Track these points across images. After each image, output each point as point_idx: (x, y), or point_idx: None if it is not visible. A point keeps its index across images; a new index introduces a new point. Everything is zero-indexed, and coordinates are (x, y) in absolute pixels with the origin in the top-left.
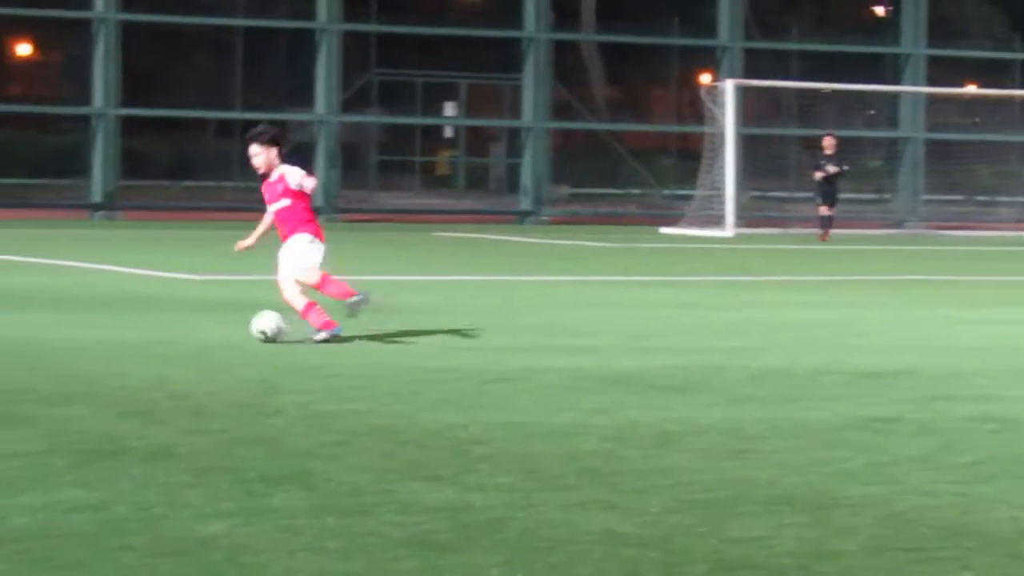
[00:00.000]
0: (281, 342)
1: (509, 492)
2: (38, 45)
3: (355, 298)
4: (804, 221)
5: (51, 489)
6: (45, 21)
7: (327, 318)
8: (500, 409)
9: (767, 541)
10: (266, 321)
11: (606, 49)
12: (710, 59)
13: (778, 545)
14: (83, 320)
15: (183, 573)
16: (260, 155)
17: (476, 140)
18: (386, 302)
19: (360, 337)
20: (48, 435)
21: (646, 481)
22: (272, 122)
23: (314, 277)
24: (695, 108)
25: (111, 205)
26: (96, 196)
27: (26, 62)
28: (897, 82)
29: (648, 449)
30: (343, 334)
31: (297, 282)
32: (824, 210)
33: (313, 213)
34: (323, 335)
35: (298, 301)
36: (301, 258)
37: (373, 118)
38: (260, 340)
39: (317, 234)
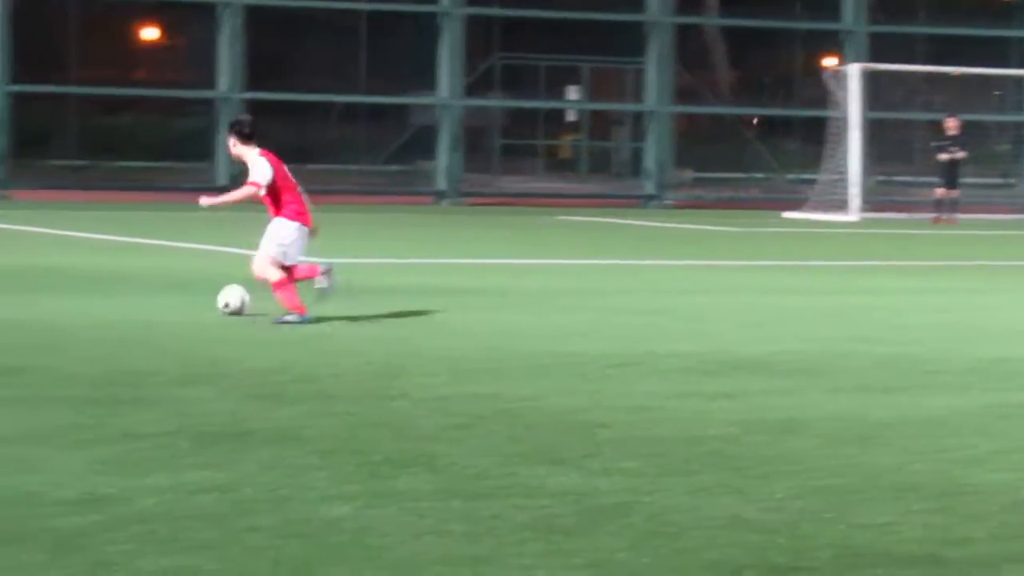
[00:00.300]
0: (246, 315)
1: (634, 476)
2: (164, 29)
3: (321, 282)
4: (930, 206)
5: (177, 471)
6: (171, 5)
7: (299, 302)
8: (624, 393)
9: (894, 527)
10: (231, 294)
11: (729, 33)
12: (834, 43)
13: (906, 531)
14: (207, 302)
15: (309, 555)
16: (233, 147)
17: (599, 124)
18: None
19: (482, 320)
20: (174, 417)
21: (771, 467)
22: (246, 118)
23: (274, 274)
24: (819, 92)
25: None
26: (222, 179)
27: (152, 46)
28: None
29: (773, 435)
30: (309, 321)
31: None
32: (940, 192)
33: (293, 197)
34: (291, 317)
35: (272, 274)
36: (272, 243)
37: (496, 102)
38: (224, 313)
39: (295, 218)
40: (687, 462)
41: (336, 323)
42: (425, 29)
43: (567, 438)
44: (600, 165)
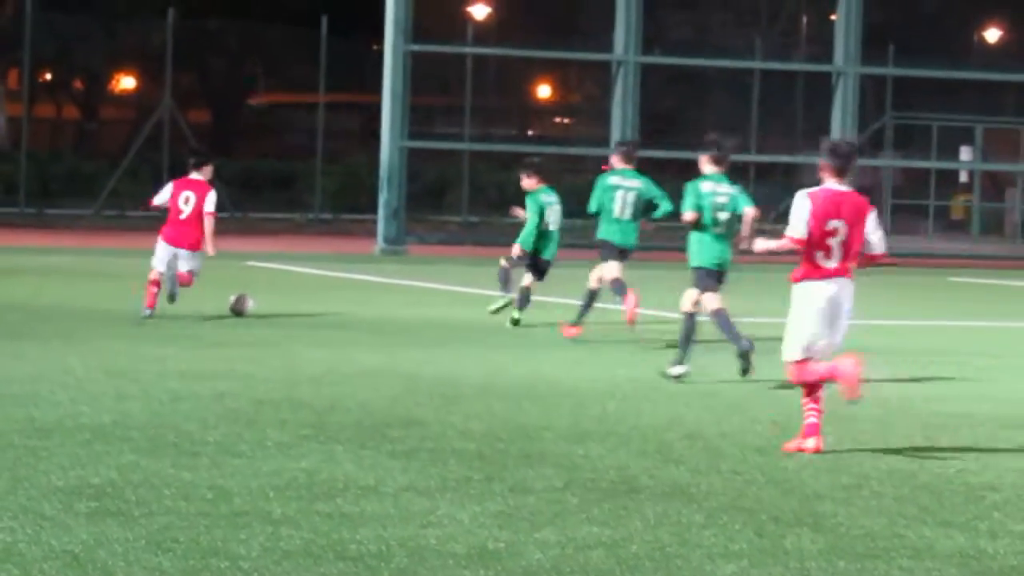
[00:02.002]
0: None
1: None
2: (558, 87)
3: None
4: None
5: (567, 526)
6: (566, 63)
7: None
8: (1016, 456)
9: None
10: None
11: None
12: None
13: None
14: (597, 359)
15: None
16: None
17: (992, 184)
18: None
19: (878, 380)
20: (564, 472)
21: None
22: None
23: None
24: None
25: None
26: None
27: (547, 103)
28: None
29: None
30: None
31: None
32: None
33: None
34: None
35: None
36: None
37: (888, 161)
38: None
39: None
40: None
41: (722, 380)
42: (818, 87)
43: (956, 499)
44: (993, 226)
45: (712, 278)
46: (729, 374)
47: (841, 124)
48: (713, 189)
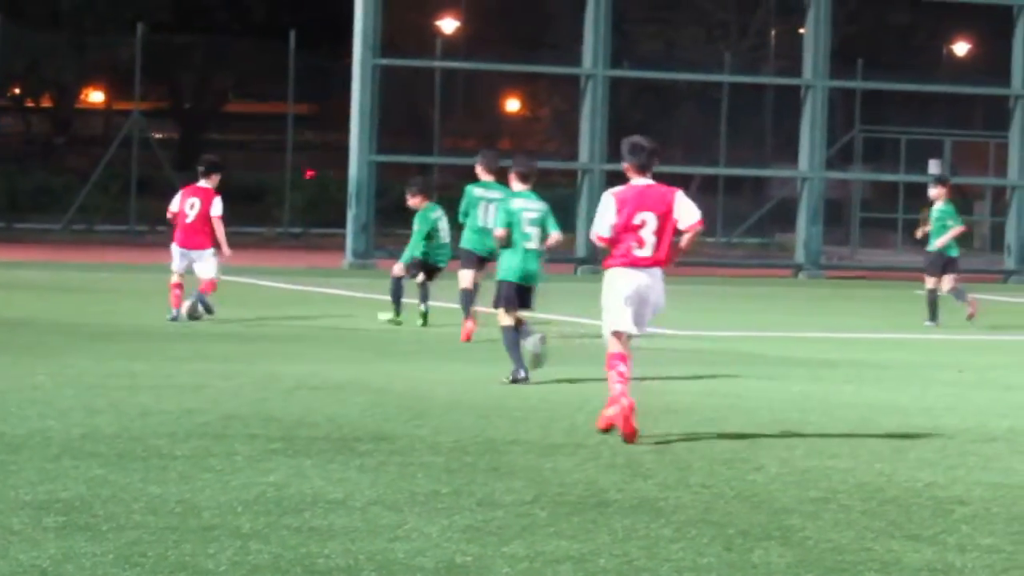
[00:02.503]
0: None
1: (991, 553)
2: (526, 100)
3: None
4: None
5: (535, 540)
6: (534, 77)
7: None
8: (984, 469)
9: None
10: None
11: None
12: None
13: None
14: (567, 371)
15: None
16: None
17: (960, 198)
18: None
19: (840, 392)
20: (533, 486)
21: None
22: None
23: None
24: None
25: (594, 260)
26: (580, 251)
27: (515, 117)
28: None
29: None
30: None
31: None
32: None
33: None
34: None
35: None
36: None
37: (857, 175)
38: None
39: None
40: None
41: (691, 393)
42: (787, 101)
43: (924, 513)
44: (961, 240)
45: (514, 291)
46: (699, 388)
47: (810, 137)
48: (523, 206)
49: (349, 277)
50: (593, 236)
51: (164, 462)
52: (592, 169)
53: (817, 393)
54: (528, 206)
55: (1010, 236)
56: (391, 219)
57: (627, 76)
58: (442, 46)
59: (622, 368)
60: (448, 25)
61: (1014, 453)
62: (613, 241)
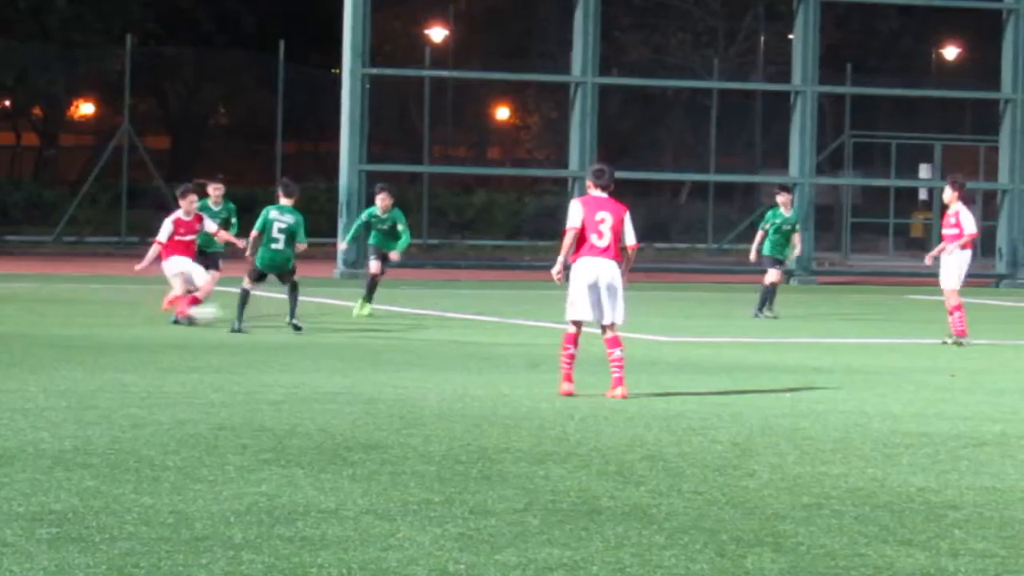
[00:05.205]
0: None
1: (984, 558)
2: (516, 109)
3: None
4: None
5: (527, 548)
6: (523, 85)
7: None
8: (976, 474)
9: None
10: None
11: None
12: None
13: None
14: (556, 381)
15: None
16: None
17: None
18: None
19: (831, 398)
20: (525, 494)
21: None
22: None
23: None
24: None
25: None
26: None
27: (505, 125)
28: None
29: None
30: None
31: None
32: None
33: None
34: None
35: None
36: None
37: (847, 180)
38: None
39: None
40: None
41: (683, 400)
42: (777, 107)
43: (916, 518)
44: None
45: (260, 275)
46: (690, 395)
47: (800, 143)
48: (278, 217)
49: (340, 286)
50: (568, 228)
51: (156, 473)
52: (582, 176)
53: (809, 399)
54: (282, 218)
55: (1001, 240)
56: None
57: (616, 83)
58: (431, 55)
59: (572, 351)
60: (437, 34)
61: (1006, 457)
62: (580, 232)
